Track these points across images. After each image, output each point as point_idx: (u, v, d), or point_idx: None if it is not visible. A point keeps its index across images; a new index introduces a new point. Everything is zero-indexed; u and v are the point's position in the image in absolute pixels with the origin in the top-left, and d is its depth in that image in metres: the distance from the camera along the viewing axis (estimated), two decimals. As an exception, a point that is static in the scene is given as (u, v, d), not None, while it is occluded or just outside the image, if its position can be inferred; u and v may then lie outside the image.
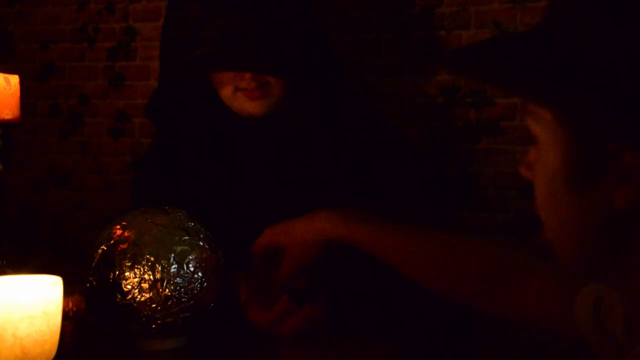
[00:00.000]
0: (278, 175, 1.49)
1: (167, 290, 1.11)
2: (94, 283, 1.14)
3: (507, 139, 2.14)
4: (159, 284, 1.11)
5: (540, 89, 0.56)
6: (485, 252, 1.01)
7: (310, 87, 1.48)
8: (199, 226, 1.19)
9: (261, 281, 1.25)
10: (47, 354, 0.94)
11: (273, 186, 1.48)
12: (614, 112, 0.52)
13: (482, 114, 2.16)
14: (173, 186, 1.50)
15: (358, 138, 1.48)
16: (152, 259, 1.12)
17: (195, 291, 1.13)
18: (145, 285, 1.11)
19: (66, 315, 1.10)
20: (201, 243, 1.16)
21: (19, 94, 1.32)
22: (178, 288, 1.12)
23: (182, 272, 1.12)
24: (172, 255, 1.13)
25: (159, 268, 1.11)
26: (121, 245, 1.14)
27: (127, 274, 1.12)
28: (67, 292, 1.03)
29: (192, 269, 1.13)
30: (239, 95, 1.47)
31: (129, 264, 1.12)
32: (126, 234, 1.15)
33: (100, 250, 1.15)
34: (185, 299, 1.12)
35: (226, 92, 1.48)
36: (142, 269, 1.11)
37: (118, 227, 1.16)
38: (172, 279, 1.12)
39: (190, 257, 1.14)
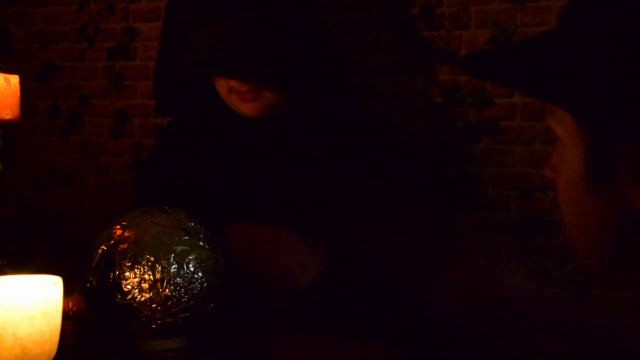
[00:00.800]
0: (279, 176, 1.49)
1: (167, 290, 1.11)
2: (94, 283, 1.14)
3: (507, 139, 2.14)
4: (159, 284, 1.11)
5: (558, 92, 0.57)
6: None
7: (308, 89, 1.48)
8: (199, 226, 1.19)
9: None
10: (47, 354, 0.94)
11: (274, 187, 1.48)
12: (627, 113, 0.53)
13: (482, 114, 2.16)
14: (174, 186, 1.50)
15: (360, 139, 1.48)
16: (152, 259, 1.12)
17: (195, 291, 1.13)
18: (145, 285, 1.11)
19: (66, 315, 1.10)
20: (201, 243, 1.16)
21: (19, 94, 1.32)
22: (178, 288, 1.12)
23: (182, 272, 1.12)
24: (172, 255, 1.13)
25: (159, 268, 1.11)
26: (121, 245, 1.14)
27: (127, 274, 1.12)
28: (67, 292, 1.03)
29: (192, 269, 1.13)
30: (232, 96, 1.48)
31: (129, 264, 1.12)
32: (126, 234, 1.15)
33: (100, 250, 1.15)
34: (185, 299, 1.12)
35: (222, 93, 1.49)
36: (142, 269, 1.11)
37: (118, 227, 1.16)
38: (172, 279, 1.12)
39: (190, 257, 1.14)
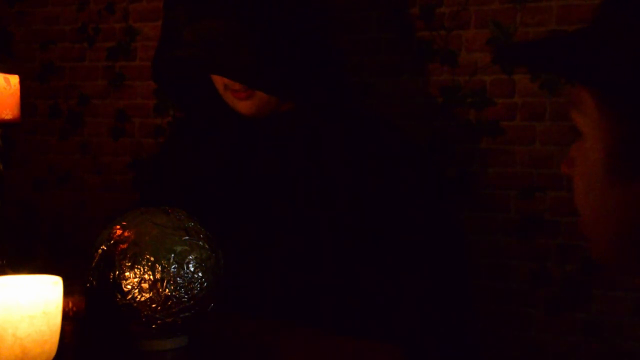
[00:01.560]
0: (279, 175, 1.48)
1: (167, 290, 1.11)
2: (94, 283, 1.14)
3: (507, 139, 2.14)
4: (159, 284, 1.11)
5: (589, 71, 0.58)
6: None
7: (303, 90, 1.47)
8: (199, 226, 1.19)
9: None
10: (47, 354, 0.94)
11: (273, 187, 1.48)
12: None
13: (482, 114, 2.16)
14: (175, 185, 1.50)
15: (361, 139, 1.48)
16: (152, 259, 1.12)
17: (195, 291, 1.13)
18: (145, 285, 1.11)
19: (66, 315, 1.10)
20: (201, 243, 1.16)
21: (19, 94, 1.32)
22: (178, 288, 1.12)
23: (182, 272, 1.12)
24: (172, 255, 1.12)
25: (159, 268, 1.11)
26: (121, 245, 1.14)
27: (127, 274, 1.12)
28: (67, 292, 1.03)
29: (192, 269, 1.13)
30: (228, 94, 1.48)
31: (129, 264, 1.12)
32: (126, 234, 1.15)
33: (100, 250, 1.15)
34: (185, 299, 1.12)
35: (220, 91, 1.49)
36: (142, 269, 1.11)
37: (118, 227, 1.16)
38: (172, 279, 1.12)
39: (190, 257, 1.14)
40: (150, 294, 1.11)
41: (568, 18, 2.07)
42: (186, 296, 1.12)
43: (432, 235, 1.42)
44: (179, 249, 1.13)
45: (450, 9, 2.21)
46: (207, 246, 1.17)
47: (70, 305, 1.21)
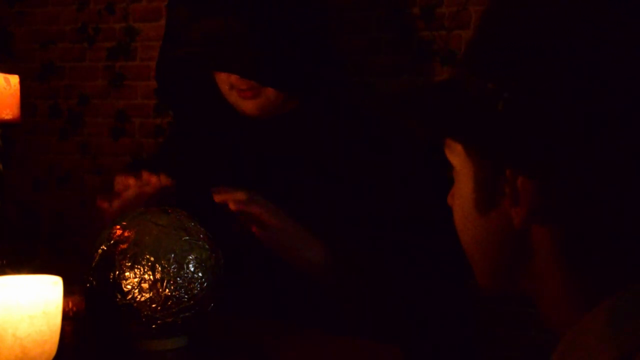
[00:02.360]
0: (283, 176, 1.48)
1: (167, 290, 1.11)
2: (94, 283, 1.14)
3: (507, 139, 2.14)
4: (159, 284, 1.11)
5: (450, 127, 0.69)
6: None
7: (309, 88, 1.47)
8: (199, 226, 1.19)
9: None
10: (47, 354, 0.94)
11: (277, 187, 1.47)
12: (504, 144, 0.63)
13: (482, 114, 2.16)
14: (177, 186, 1.50)
15: (365, 138, 1.47)
16: (152, 259, 1.12)
17: (195, 291, 1.13)
18: (145, 285, 1.11)
19: (66, 315, 1.10)
20: (201, 243, 1.16)
21: (19, 94, 1.32)
22: (178, 288, 1.12)
23: (182, 272, 1.12)
24: (172, 255, 1.12)
25: (159, 268, 1.11)
26: (121, 245, 1.13)
27: (127, 274, 1.11)
28: (67, 292, 1.03)
29: (192, 269, 1.13)
30: (233, 93, 1.47)
31: (129, 264, 1.12)
32: (126, 234, 1.14)
33: (100, 250, 1.15)
34: (186, 299, 1.12)
35: (224, 90, 1.49)
36: (142, 269, 1.11)
37: (118, 227, 1.16)
38: (172, 279, 1.11)
39: (190, 257, 1.14)
40: (150, 294, 1.11)
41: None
42: (186, 296, 1.12)
43: (432, 235, 1.42)
44: (178, 249, 1.13)
45: (450, 9, 2.21)
46: (207, 246, 1.17)
47: (70, 305, 1.21)
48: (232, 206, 1.23)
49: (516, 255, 0.68)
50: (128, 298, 1.11)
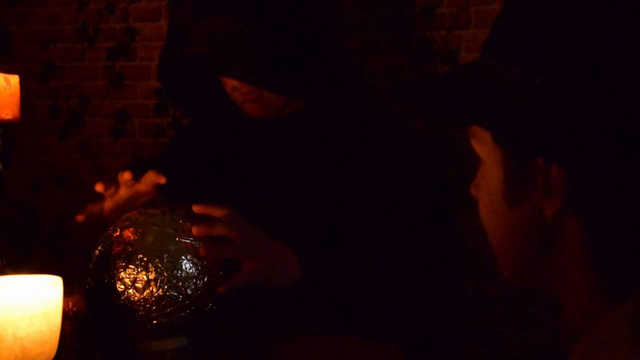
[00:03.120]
0: (287, 177, 1.48)
1: (160, 290, 1.11)
2: (92, 284, 1.15)
3: (507, 139, 2.14)
4: (152, 284, 1.11)
5: (478, 114, 0.66)
6: None
7: (311, 92, 1.47)
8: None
9: None
10: (47, 354, 0.94)
11: (282, 188, 1.47)
12: (537, 131, 0.60)
13: (482, 114, 2.16)
14: (179, 184, 1.50)
15: (370, 139, 1.47)
16: (145, 258, 1.11)
17: (190, 291, 1.13)
18: (139, 285, 1.11)
19: (66, 315, 1.10)
20: (197, 243, 1.16)
21: (19, 94, 1.32)
22: (172, 288, 1.12)
23: (176, 272, 1.12)
24: (167, 255, 1.12)
25: (153, 268, 1.11)
26: (117, 246, 1.14)
27: (121, 274, 1.11)
28: (67, 292, 1.03)
29: (187, 269, 1.13)
30: (236, 94, 1.47)
31: (124, 264, 1.12)
32: (124, 234, 1.15)
33: (97, 252, 1.16)
34: (180, 299, 1.12)
35: (227, 91, 1.48)
36: (135, 269, 1.11)
37: (116, 227, 1.17)
38: (165, 278, 1.11)
39: (185, 257, 1.14)
40: (144, 294, 1.11)
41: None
42: (181, 296, 1.12)
43: (432, 235, 1.41)
44: (173, 248, 1.13)
45: (450, 9, 2.21)
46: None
47: (70, 305, 1.21)
48: (194, 231, 1.19)
49: (543, 247, 0.65)
50: (123, 298, 1.11)
